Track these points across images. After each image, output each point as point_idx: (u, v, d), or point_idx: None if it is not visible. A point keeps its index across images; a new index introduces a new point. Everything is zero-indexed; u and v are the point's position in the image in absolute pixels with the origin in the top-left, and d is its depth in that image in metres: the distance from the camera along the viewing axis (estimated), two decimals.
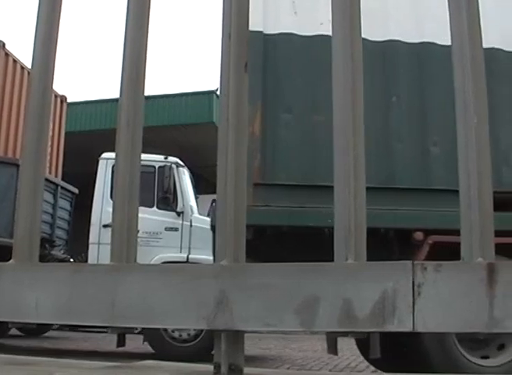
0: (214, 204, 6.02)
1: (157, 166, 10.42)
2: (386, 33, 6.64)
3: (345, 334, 1.78)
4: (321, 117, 6.09)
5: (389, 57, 6.65)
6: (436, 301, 1.65)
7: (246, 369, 1.84)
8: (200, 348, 8.75)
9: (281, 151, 6.37)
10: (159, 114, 17.02)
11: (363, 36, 1.91)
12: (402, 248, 6.43)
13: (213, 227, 6.18)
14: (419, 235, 6.31)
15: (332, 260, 1.77)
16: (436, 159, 6.32)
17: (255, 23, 6.19)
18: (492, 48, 6.97)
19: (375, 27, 6.35)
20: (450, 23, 1.84)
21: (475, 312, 1.63)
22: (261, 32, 6.29)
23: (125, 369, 2.33)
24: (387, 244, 6.28)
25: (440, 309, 1.65)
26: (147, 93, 2.01)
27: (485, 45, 1.76)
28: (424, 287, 1.65)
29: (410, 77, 6.67)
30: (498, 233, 5.78)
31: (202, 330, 8.62)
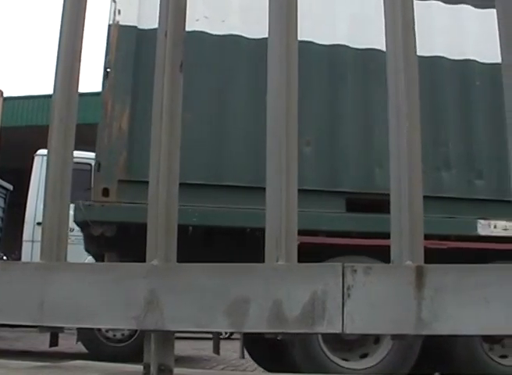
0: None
1: (93, 164, 10.31)
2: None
3: (275, 335, 1.78)
4: (189, 115, 6.07)
5: (227, 51, 6.67)
6: (366, 303, 1.67)
7: (176, 370, 1.83)
8: (134, 348, 8.67)
9: (149, 147, 6.31)
10: (94, 111, 16.82)
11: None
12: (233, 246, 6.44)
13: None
14: None
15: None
16: (308, 159, 6.36)
17: (129, 18, 6.15)
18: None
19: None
20: (386, 30, 1.86)
21: (404, 315, 1.65)
22: (134, 27, 6.18)
23: (53, 369, 2.30)
24: (220, 242, 6.31)
25: (369, 311, 1.67)
26: (81, 89, 1.99)
27: (429, 53, 1.79)
28: (353, 290, 1.66)
29: (248, 72, 6.68)
30: (369, 235, 5.80)
31: (136, 330, 8.58)
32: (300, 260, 1.76)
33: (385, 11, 1.87)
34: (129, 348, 8.77)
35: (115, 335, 9.12)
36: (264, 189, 1.82)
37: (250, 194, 6.09)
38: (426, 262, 1.71)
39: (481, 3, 7.47)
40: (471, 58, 7.28)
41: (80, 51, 1.95)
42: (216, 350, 7.14)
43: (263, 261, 1.76)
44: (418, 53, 1.85)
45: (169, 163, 1.80)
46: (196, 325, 1.72)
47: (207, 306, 1.70)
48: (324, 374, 5.86)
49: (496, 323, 1.65)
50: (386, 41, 1.85)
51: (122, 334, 9.12)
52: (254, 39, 6.54)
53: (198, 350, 8.61)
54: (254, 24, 6.54)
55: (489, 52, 7.33)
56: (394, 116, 1.77)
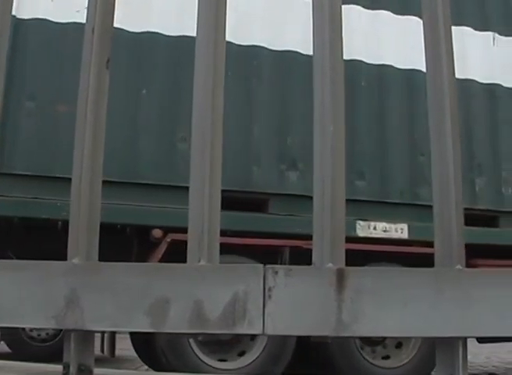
0: None
1: None
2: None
3: (196, 336, 1.78)
4: (65, 108, 6.04)
5: (146, 50, 6.68)
6: (286, 304, 1.67)
7: (96, 370, 1.81)
8: (59, 347, 8.52)
9: (21, 140, 6.24)
10: None
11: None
12: (141, 245, 6.47)
13: None
14: (158, 233, 6.38)
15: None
16: (184, 156, 6.40)
17: None
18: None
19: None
20: (313, 34, 1.87)
21: (324, 316, 1.67)
22: (13, 16, 6.18)
23: None
24: (126, 240, 6.33)
25: (290, 313, 1.68)
26: None
27: (347, 57, 1.81)
28: (274, 291, 1.67)
29: (163, 72, 6.72)
30: (245, 234, 5.86)
31: (61, 330, 8.38)
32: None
33: (313, 14, 1.88)
34: (54, 347, 8.61)
35: (39, 334, 8.97)
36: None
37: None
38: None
39: (401, 9, 7.62)
40: (357, 58, 7.40)
41: None
42: (110, 352, 7.06)
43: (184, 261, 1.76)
44: None
45: (93, 161, 1.78)
46: (116, 325, 1.70)
47: (127, 306, 1.68)
48: (202, 374, 5.90)
49: (413, 324, 1.68)
50: (314, 45, 1.86)
51: (47, 334, 8.97)
52: (172, 36, 6.52)
53: (123, 350, 8.51)
54: (173, 22, 6.53)
55: (376, 54, 7.50)
56: (319, 119, 1.78)
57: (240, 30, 6.74)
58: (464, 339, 1.73)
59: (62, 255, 1.77)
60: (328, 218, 1.72)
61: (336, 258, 1.71)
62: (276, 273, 1.68)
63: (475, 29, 8.24)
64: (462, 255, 1.73)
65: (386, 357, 7.36)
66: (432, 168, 1.77)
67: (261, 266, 1.70)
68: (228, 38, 5.72)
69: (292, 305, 1.67)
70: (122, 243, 6.24)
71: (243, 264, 1.76)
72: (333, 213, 1.73)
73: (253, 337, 6.26)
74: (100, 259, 1.77)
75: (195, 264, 1.73)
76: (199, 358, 6.38)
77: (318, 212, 1.74)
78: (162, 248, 6.25)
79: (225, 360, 6.59)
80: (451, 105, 1.77)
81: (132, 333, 6.74)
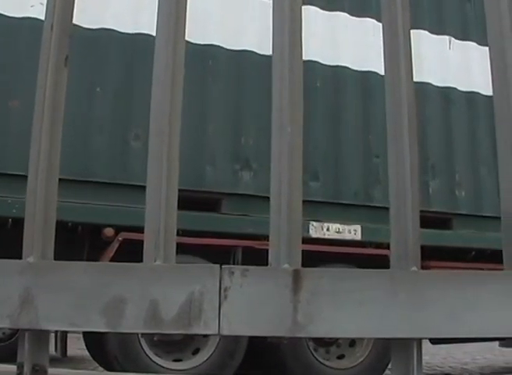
0: None
1: None
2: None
3: (151, 336, 1.77)
4: (18, 104, 6.02)
5: (101, 47, 6.67)
6: (242, 305, 1.67)
7: (50, 370, 1.79)
8: (15, 347, 8.39)
9: None
10: None
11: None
12: (93, 243, 6.46)
13: None
14: (109, 231, 6.36)
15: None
16: (137, 154, 6.44)
17: None
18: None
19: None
20: (273, 35, 1.87)
21: (280, 317, 1.67)
22: None
23: None
24: (78, 239, 6.31)
25: (246, 313, 1.68)
26: None
27: (303, 57, 1.81)
28: (230, 291, 1.66)
29: (117, 69, 6.71)
30: (199, 234, 5.85)
31: (18, 330, 8.27)
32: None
33: (273, 15, 1.88)
34: (10, 347, 8.48)
35: None
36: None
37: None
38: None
39: (358, 11, 7.67)
40: (313, 59, 7.43)
41: None
42: (62, 351, 6.99)
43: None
44: None
45: (49, 160, 1.76)
46: (71, 324, 1.69)
47: (83, 305, 1.66)
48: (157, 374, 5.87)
49: (369, 325, 1.69)
50: (273, 46, 1.86)
51: (3, 333, 8.84)
52: (127, 33, 6.48)
53: (83, 350, 8.42)
54: (128, 19, 6.49)
55: (332, 55, 7.54)
56: (277, 120, 1.78)
57: (197, 28, 6.73)
58: (419, 340, 1.74)
59: (14, 253, 1.75)
60: (285, 219, 1.72)
61: (292, 259, 1.71)
62: (232, 273, 1.68)
63: (432, 32, 8.33)
64: (418, 256, 1.74)
65: (341, 356, 7.39)
66: (389, 170, 1.78)
67: (218, 266, 1.69)
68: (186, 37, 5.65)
69: (248, 305, 1.67)
70: (74, 241, 6.20)
71: (200, 264, 1.75)
72: (290, 214, 1.73)
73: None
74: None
75: (151, 264, 1.72)
76: (151, 360, 6.34)
77: (274, 213, 1.74)
78: (114, 246, 6.21)
79: (180, 360, 6.57)
80: (409, 107, 1.78)
81: (84, 334, 6.68)
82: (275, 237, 1.73)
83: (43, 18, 1.82)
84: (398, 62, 1.83)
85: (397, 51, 1.84)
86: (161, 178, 1.76)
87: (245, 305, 1.68)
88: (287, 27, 1.85)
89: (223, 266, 1.69)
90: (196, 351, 6.60)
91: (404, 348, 1.73)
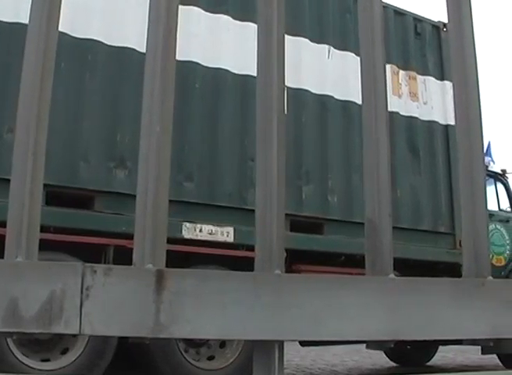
0: None
1: None
2: None
3: (10, 335, 1.72)
4: None
5: None
6: (105, 304, 1.65)
7: None
8: None
9: None
10: None
11: None
12: None
13: None
14: None
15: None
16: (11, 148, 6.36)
17: None
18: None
19: None
20: (148, 33, 1.86)
21: (142, 317, 1.66)
22: None
23: None
24: None
25: (108, 313, 1.65)
26: None
27: (183, 58, 1.81)
28: (92, 290, 1.64)
29: None
30: (71, 232, 5.81)
31: None
32: None
33: (149, 13, 1.87)
34: None
35: None
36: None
37: None
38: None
39: (241, 15, 7.72)
40: (194, 60, 7.46)
41: None
42: None
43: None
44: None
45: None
46: None
47: None
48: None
49: (232, 327, 1.70)
50: (147, 44, 1.85)
51: None
52: (5, 23, 6.33)
53: None
54: (9, 7, 6.32)
55: (213, 57, 7.61)
56: (146, 119, 1.77)
57: (78, 22, 6.62)
58: (281, 342, 1.76)
59: None
60: (150, 218, 1.71)
61: (156, 259, 1.70)
62: (95, 272, 1.65)
63: (312, 41, 8.47)
64: (282, 260, 1.76)
65: (211, 357, 7.40)
66: (257, 173, 1.79)
67: (80, 264, 1.66)
68: (64, 29, 5.60)
69: (110, 305, 1.65)
70: None
71: (62, 262, 1.73)
72: (155, 214, 1.72)
73: None
74: None
75: (12, 260, 1.67)
76: (18, 360, 6.18)
77: (140, 212, 1.72)
78: None
79: (48, 360, 6.42)
80: (278, 112, 1.80)
81: None
82: (140, 237, 1.71)
83: None
84: (270, 67, 1.85)
85: (270, 55, 1.86)
86: (25, 173, 1.71)
87: (107, 305, 1.65)
88: (162, 26, 1.84)
89: (86, 265, 1.66)
90: (65, 351, 6.47)
91: (266, 349, 1.75)
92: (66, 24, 6.28)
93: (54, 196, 6.23)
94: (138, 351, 6.78)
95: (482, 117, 1.94)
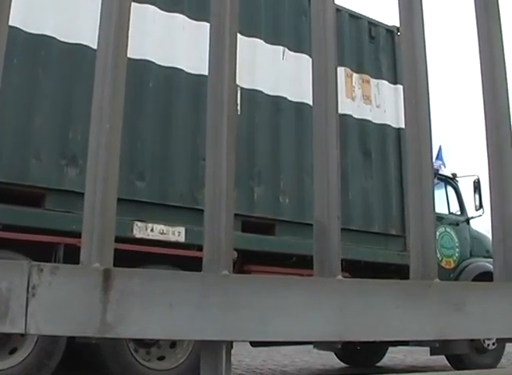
0: None
1: None
2: None
3: None
4: None
5: None
6: (51, 303, 1.63)
7: None
8: None
9: None
10: None
11: None
12: None
13: None
14: None
15: None
16: None
17: None
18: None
19: None
20: (99, 29, 1.84)
21: (89, 317, 1.64)
22: None
23: None
24: None
25: (55, 312, 1.63)
26: None
27: (137, 56, 1.80)
28: (38, 289, 1.62)
29: None
30: (17, 229, 5.82)
31: None
32: None
33: (101, 10, 1.85)
34: None
35: None
36: None
37: None
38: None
39: (197, 15, 7.71)
40: (148, 58, 7.45)
41: None
42: None
43: None
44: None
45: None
46: None
47: None
48: None
49: (179, 327, 1.69)
50: (98, 40, 1.83)
51: None
52: None
53: None
54: None
55: (167, 56, 7.60)
56: (96, 116, 1.75)
57: (31, 17, 6.54)
58: (229, 342, 1.76)
59: None
60: (98, 216, 1.69)
61: (103, 258, 1.68)
62: (42, 270, 1.63)
63: (266, 42, 8.49)
64: (230, 260, 1.76)
65: (162, 358, 7.38)
66: (206, 172, 1.79)
67: (27, 262, 1.64)
68: (17, 24, 5.55)
69: (56, 304, 1.63)
70: None
71: (7, 260, 1.69)
72: (103, 212, 1.70)
73: None
74: None
75: None
76: None
77: (88, 211, 1.71)
78: None
79: None
80: (229, 111, 1.80)
81: None
82: (88, 235, 1.70)
83: None
84: (222, 66, 1.84)
85: (222, 54, 1.85)
86: None
87: (53, 304, 1.63)
88: (114, 23, 1.82)
89: (32, 263, 1.64)
90: (13, 351, 6.41)
91: (214, 350, 1.75)
92: (20, 19, 6.21)
93: (3, 193, 6.16)
94: (88, 350, 6.74)
95: (432, 121, 1.96)
